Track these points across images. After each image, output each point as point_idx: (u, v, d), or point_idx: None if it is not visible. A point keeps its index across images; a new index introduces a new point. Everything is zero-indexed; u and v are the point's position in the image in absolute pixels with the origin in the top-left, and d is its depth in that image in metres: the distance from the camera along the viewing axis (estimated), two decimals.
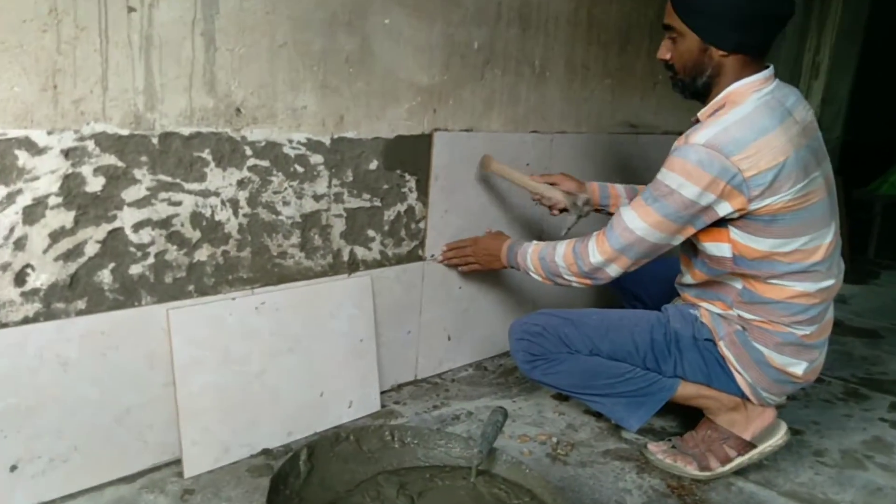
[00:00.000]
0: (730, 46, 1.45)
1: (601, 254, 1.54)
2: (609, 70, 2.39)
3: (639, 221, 1.48)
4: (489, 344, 2.23)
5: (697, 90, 1.54)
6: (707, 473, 1.60)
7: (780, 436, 1.61)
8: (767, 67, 1.50)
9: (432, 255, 1.96)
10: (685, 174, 1.41)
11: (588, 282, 1.60)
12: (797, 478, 1.66)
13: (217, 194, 1.46)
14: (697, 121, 1.54)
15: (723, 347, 1.57)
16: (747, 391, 1.58)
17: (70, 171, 1.26)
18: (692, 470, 1.61)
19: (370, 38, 1.65)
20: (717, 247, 1.51)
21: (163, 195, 1.38)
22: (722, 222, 1.46)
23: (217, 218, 1.48)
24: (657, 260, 1.97)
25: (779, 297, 1.50)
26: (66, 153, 1.24)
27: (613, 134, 2.50)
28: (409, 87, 1.77)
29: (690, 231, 1.48)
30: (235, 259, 1.53)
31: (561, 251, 1.62)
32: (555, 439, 1.76)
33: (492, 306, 2.20)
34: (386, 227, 1.83)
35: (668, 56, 1.55)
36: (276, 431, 1.60)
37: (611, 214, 1.93)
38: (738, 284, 1.55)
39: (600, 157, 2.46)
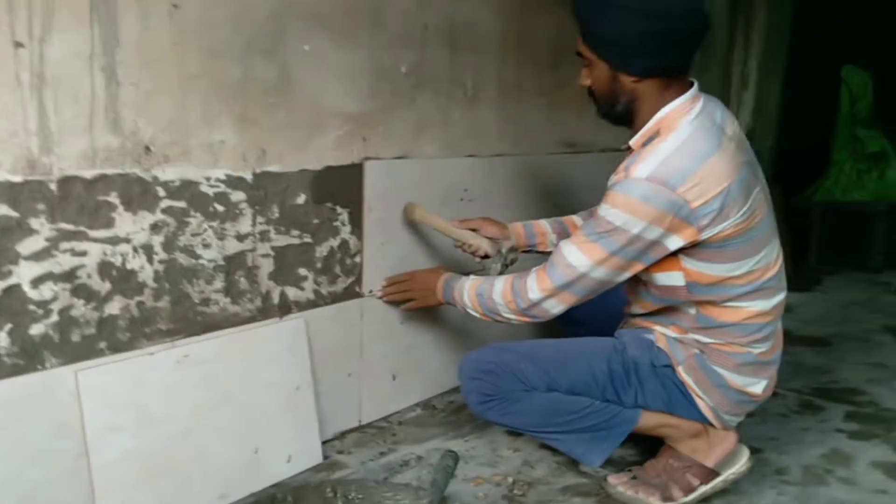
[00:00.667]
0: (639, 72, 1.44)
1: (541, 290, 1.50)
2: (543, 88, 2.40)
3: (582, 258, 1.45)
4: (437, 380, 2.18)
5: (619, 116, 1.53)
6: None
7: (742, 462, 1.60)
8: (692, 85, 1.49)
9: (370, 291, 1.90)
10: (629, 209, 1.38)
11: (527, 319, 1.56)
12: (761, 500, 1.65)
13: (128, 241, 1.38)
14: (629, 149, 1.54)
15: (682, 372, 1.55)
16: (709, 415, 1.56)
17: None
18: (655, 501, 1.58)
19: (290, 66, 1.60)
20: (668, 276, 1.49)
21: (65, 245, 1.29)
22: (673, 252, 1.44)
23: (129, 266, 1.39)
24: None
25: (736, 320, 1.50)
26: None
27: (553, 154, 2.51)
28: (335, 116, 1.73)
29: (639, 267, 1.46)
30: (152, 310, 1.44)
31: (499, 288, 1.58)
32: (511, 479, 1.71)
33: (437, 341, 2.15)
34: (319, 265, 1.76)
35: (588, 82, 1.53)
36: (208, 496, 1.50)
37: (539, 253, 1.92)
38: (693, 310, 1.54)
39: (541, 178, 2.46)
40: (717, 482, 1.59)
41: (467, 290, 1.66)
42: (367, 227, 1.85)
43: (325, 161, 1.73)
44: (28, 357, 1.27)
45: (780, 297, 1.55)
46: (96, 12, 1.26)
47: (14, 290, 1.23)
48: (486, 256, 1.84)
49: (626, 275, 1.48)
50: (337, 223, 1.79)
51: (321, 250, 1.76)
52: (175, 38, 1.38)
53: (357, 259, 1.86)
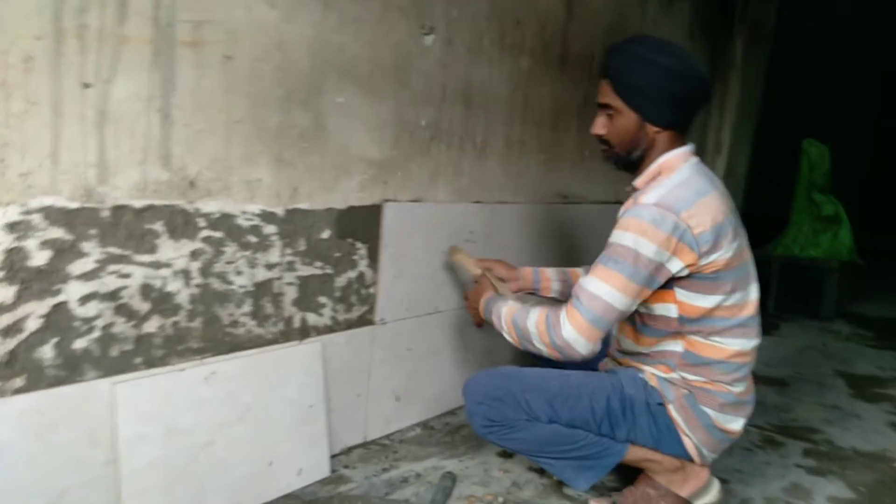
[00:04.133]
0: (664, 123, 1.47)
1: (573, 326, 1.40)
2: (543, 145, 2.40)
3: (604, 286, 1.38)
4: (436, 403, 2.13)
5: (631, 162, 1.53)
6: None
7: (713, 493, 1.56)
8: (689, 143, 1.54)
9: (381, 319, 1.87)
10: (641, 232, 1.37)
11: (557, 355, 1.45)
12: None
13: (168, 265, 1.34)
14: (634, 189, 1.54)
15: (672, 411, 1.50)
16: (692, 452, 1.52)
17: (13, 245, 1.12)
18: None
19: (324, 115, 1.59)
20: (664, 307, 1.47)
21: (112, 267, 1.25)
22: (668, 283, 1.43)
23: (168, 289, 1.35)
24: None
25: (719, 357, 1.48)
26: (11, 227, 1.12)
27: (548, 204, 2.50)
28: (360, 161, 1.71)
29: (647, 293, 1.42)
30: (186, 329, 1.40)
31: (534, 317, 1.48)
32: (501, 499, 1.66)
33: (438, 367, 2.10)
34: (337, 294, 1.73)
35: (603, 131, 1.52)
36: (224, 503, 1.44)
37: (541, 297, 1.88)
38: (680, 348, 1.50)
39: (537, 224, 2.45)
40: None
41: (504, 315, 1.57)
42: (382, 261, 1.82)
43: (350, 201, 1.70)
44: (69, 369, 1.22)
45: (757, 342, 1.53)
46: (158, 59, 1.25)
47: (62, 307, 1.20)
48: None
49: (638, 302, 1.42)
50: (356, 257, 1.76)
51: (340, 281, 1.73)
52: (225, 86, 1.37)
53: (371, 290, 1.83)
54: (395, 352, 1.94)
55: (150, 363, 1.34)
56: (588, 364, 1.78)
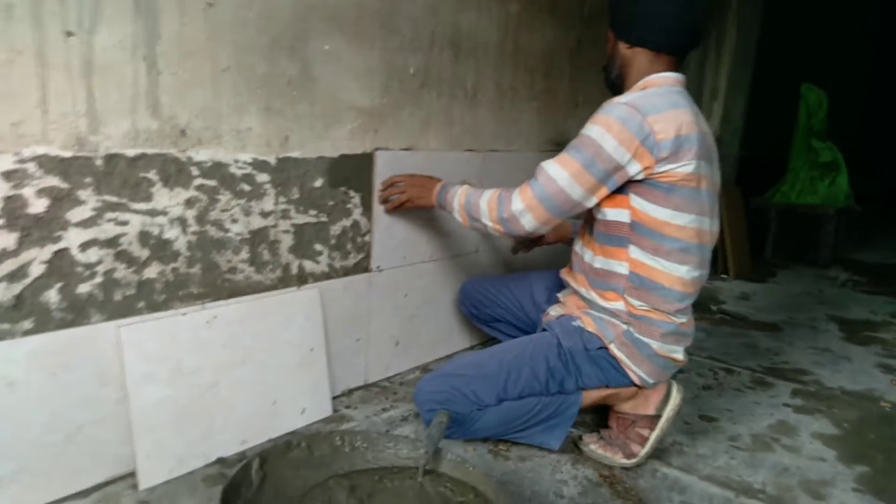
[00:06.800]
0: (633, 40, 1.51)
1: (522, 201, 1.49)
2: (535, 93, 2.40)
3: (560, 170, 1.45)
4: (434, 347, 2.19)
5: (614, 82, 1.59)
6: (633, 460, 1.58)
7: (674, 395, 1.60)
8: (680, 74, 1.54)
9: (378, 267, 1.91)
10: (606, 126, 1.40)
11: (501, 229, 1.54)
12: (715, 462, 1.67)
13: (165, 213, 1.38)
14: None
15: (614, 349, 1.54)
16: (639, 383, 1.57)
17: (11, 192, 1.15)
18: (620, 459, 1.59)
19: (311, 63, 1.59)
20: (617, 212, 1.49)
21: (109, 215, 1.29)
22: (624, 188, 1.46)
23: (165, 236, 1.39)
24: (517, 284, 1.94)
25: (663, 282, 1.49)
26: (6, 175, 1.14)
27: (542, 151, 2.51)
28: (350, 109, 1.72)
29: (604, 192, 1.46)
30: (185, 275, 1.44)
31: (487, 195, 1.57)
32: None
33: (436, 313, 2.15)
34: (333, 241, 1.76)
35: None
36: (231, 440, 1.51)
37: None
38: (625, 270, 1.51)
39: (531, 173, 2.45)
40: (662, 424, 1.58)
41: (458, 195, 1.65)
42: (376, 210, 1.85)
43: (341, 149, 1.72)
44: (75, 312, 1.27)
45: (701, 272, 1.53)
46: (139, 7, 1.25)
47: (64, 253, 1.24)
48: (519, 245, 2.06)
49: (594, 199, 1.47)
50: (350, 205, 1.79)
51: (335, 229, 1.76)
52: (209, 34, 1.38)
53: (367, 238, 1.86)
54: (392, 298, 1.98)
55: (153, 307, 1.39)
56: (531, 315, 1.85)
